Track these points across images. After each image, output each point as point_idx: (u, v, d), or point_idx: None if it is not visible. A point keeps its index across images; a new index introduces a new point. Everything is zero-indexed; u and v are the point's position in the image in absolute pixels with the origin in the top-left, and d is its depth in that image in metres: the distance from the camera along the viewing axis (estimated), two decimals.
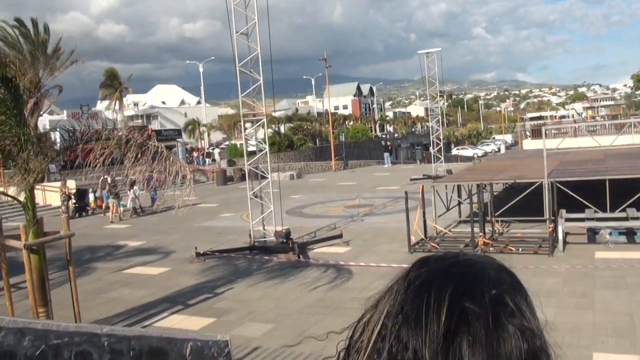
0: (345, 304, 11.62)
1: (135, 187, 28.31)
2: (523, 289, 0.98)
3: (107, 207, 28.69)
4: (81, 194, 30.77)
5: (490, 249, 15.11)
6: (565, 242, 14.90)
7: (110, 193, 28.18)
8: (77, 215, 29.92)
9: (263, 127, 17.89)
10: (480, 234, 15.45)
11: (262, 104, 17.27)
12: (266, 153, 17.75)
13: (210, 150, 65.70)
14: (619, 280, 12.17)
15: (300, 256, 16.03)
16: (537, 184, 15.89)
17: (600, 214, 15.13)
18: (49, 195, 35.30)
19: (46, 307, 9.58)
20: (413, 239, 16.27)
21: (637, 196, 14.96)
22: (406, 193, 16.26)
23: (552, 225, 14.97)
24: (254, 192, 17.88)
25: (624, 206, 15.18)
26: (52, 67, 12.14)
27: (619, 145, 20.81)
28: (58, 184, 37.79)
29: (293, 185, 39.67)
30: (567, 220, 15.05)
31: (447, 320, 0.87)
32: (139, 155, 9.33)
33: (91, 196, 31.10)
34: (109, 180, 28.09)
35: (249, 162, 18.06)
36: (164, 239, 21.02)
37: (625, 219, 14.97)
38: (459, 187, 19.97)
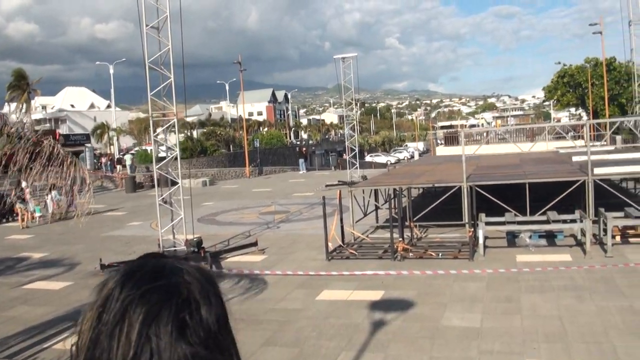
0: (260, 316, 10.95)
1: (53, 192, 27.12)
2: (217, 308, 1.10)
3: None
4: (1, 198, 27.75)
5: (410, 254, 14.81)
6: (485, 246, 14.77)
7: (18, 198, 26.21)
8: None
9: (174, 130, 16.91)
10: (399, 239, 15.14)
11: (173, 106, 16.27)
12: (176, 158, 16.81)
13: (120, 156, 63.44)
14: (544, 283, 12.03)
15: (213, 266, 15.23)
16: (455, 188, 15.75)
17: (521, 217, 15.10)
18: None
19: None
20: (331, 246, 15.78)
21: (557, 199, 15.03)
22: (324, 198, 15.74)
23: (472, 230, 14.82)
24: (163, 198, 16.93)
25: (544, 209, 15.20)
26: None
27: (535, 151, 21.14)
28: None
29: (206, 192, 38.58)
30: (487, 224, 14.93)
31: (135, 344, 0.98)
32: (34, 156, 8.37)
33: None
34: (24, 184, 25.73)
35: (157, 167, 17.04)
36: (69, 250, 19.69)
37: (546, 222, 14.97)
38: (376, 192, 19.70)
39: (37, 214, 27.76)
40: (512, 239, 15.65)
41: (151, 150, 64.00)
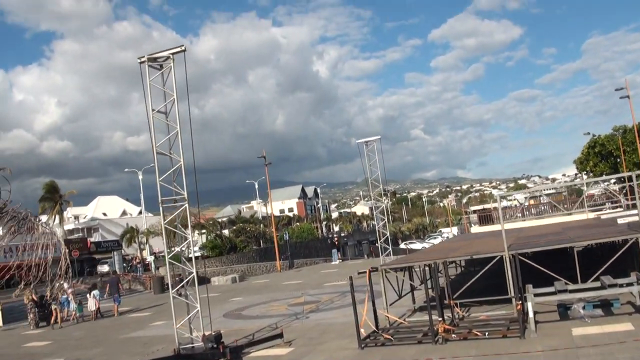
0: None
1: (94, 291, 29.16)
2: None
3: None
4: (43, 301, 28.94)
5: (453, 335, 13.09)
6: (536, 321, 12.99)
7: (53, 299, 27.67)
8: (40, 324, 28.27)
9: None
10: (440, 319, 13.45)
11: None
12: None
13: (150, 260, 62.66)
14: (608, 357, 10.24)
15: None
16: (496, 259, 14.11)
17: (572, 286, 13.31)
18: None
19: None
20: (363, 333, 14.13)
21: (608, 263, 13.32)
22: (351, 278, 14.23)
23: (519, 303, 13.10)
24: (178, 290, 15.61)
25: (596, 275, 13.45)
26: None
27: (576, 219, 19.50)
28: None
29: (235, 289, 37.20)
30: (536, 295, 13.18)
31: None
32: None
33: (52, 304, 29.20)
34: (66, 286, 27.39)
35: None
36: (85, 354, 18.30)
37: (600, 288, 13.17)
38: (410, 273, 18.09)
39: (78, 313, 28.50)
40: (564, 311, 13.89)
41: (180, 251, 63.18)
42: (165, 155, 15.70)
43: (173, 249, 16.74)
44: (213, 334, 14.92)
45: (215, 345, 14.57)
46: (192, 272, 15.62)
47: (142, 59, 15.06)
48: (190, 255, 16.15)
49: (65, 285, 27.59)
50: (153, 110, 15.29)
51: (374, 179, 35.13)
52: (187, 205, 15.30)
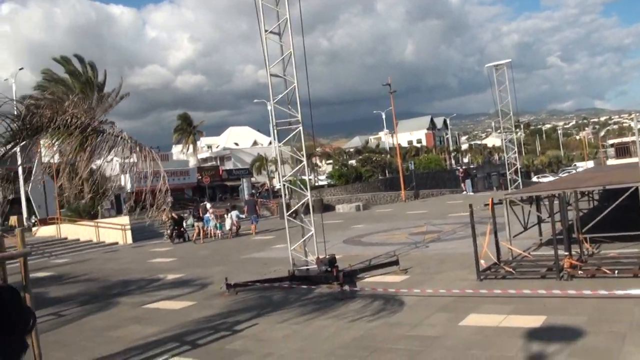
0: (388, 344, 8.90)
1: (234, 212, 32.39)
2: None
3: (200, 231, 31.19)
4: (179, 220, 32.62)
5: (579, 272, 12.05)
6: None
7: (194, 217, 32.71)
8: (175, 240, 31.60)
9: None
10: (566, 254, 12.42)
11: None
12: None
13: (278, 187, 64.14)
14: None
15: (346, 286, 13.38)
16: (631, 190, 12.70)
17: None
18: (103, 232, 34.13)
19: None
20: (483, 264, 13.37)
21: None
22: (470, 206, 13.40)
23: None
24: (293, 212, 15.50)
25: None
26: (104, 102, 10.45)
27: None
28: (112, 220, 36.76)
29: (357, 216, 37.15)
30: None
31: None
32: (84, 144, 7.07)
33: (188, 223, 33.72)
34: (208, 206, 33.60)
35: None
36: (205, 272, 18.81)
37: None
38: (538, 204, 16.93)
39: (218, 231, 31.89)
40: None
41: (309, 179, 64.02)
42: (279, 78, 15.37)
43: (296, 175, 16.65)
44: (327, 257, 14.74)
45: (329, 269, 14.39)
46: (307, 196, 15.39)
47: None
48: (303, 177, 15.92)
49: (208, 205, 33.35)
50: (266, 31, 14.92)
51: (504, 106, 33.32)
52: (301, 128, 14.94)
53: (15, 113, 6.93)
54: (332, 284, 13.71)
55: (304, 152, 15.24)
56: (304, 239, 15.44)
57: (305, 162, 15.21)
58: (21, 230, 7.47)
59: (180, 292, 15.65)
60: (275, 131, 15.43)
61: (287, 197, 16.47)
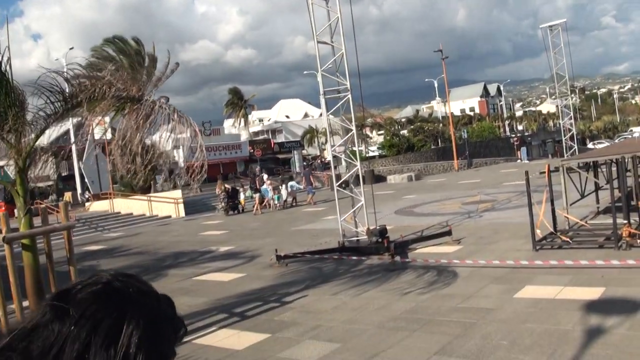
0: (439, 317, 8.64)
1: (291, 182, 33.62)
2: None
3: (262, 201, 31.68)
4: (234, 193, 32.97)
5: (639, 241, 11.52)
6: None
7: (252, 189, 33.54)
8: (230, 212, 31.81)
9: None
10: (625, 222, 11.88)
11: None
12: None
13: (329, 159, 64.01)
14: None
15: (397, 257, 13.13)
16: None
17: None
18: (156, 205, 34.58)
19: None
20: (539, 234, 12.91)
21: None
22: (527, 173, 12.92)
23: None
24: (343, 182, 15.28)
25: None
26: (153, 77, 10.46)
27: None
28: (165, 194, 37.20)
29: (409, 187, 36.69)
30: None
31: None
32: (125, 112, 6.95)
33: (242, 195, 33.57)
34: (265, 177, 34.19)
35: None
36: (255, 243, 18.81)
37: None
38: (595, 171, 16.25)
39: (276, 202, 31.89)
40: None
41: (360, 150, 64.01)
42: (327, 46, 15.06)
43: (346, 146, 16.45)
44: (377, 228, 14.50)
45: (379, 240, 14.16)
46: (357, 166, 15.14)
47: None
48: (354, 148, 15.67)
49: (265, 177, 34.01)
50: None
51: (559, 69, 32.20)
52: (349, 96, 14.63)
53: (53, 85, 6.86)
54: (383, 255, 13.49)
55: (353, 121, 14.94)
56: (354, 209, 15.24)
57: (354, 132, 14.92)
58: (64, 204, 7.48)
59: (230, 264, 15.67)
60: (324, 100, 15.14)
61: (336, 167, 16.25)
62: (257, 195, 31.74)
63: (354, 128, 14.85)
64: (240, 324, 9.53)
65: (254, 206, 31.35)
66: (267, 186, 32.69)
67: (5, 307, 7.37)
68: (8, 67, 7.13)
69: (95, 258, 20.49)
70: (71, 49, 46.45)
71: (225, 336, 8.94)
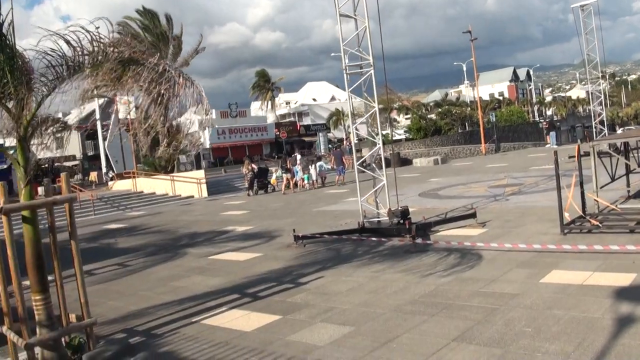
0: (460, 301, 8.17)
1: (319, 163, 33.91)
2: None
3: (292, 181, 32.14)
4: (263, 172, 33.64)
5: None
6: None
7: (282, 168, 33.18)
8: (259, 192, 32.30)
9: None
10: None
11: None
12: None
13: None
14: None
15: (418, 239, 12.65)
16: None
17: None
18: (178, 185, 34.46)
19: (44, 293, 6.97)
20: (567, 217, 12.35)
21: None
22: (555, 153, 12.32)
23: None
24: (364, 161, 14.83)
25: None
26: (178, 57, 10.02)
27: None
28: (188, 174, 37.08)
29: (436, 170, 36.12)
30: None
31: None
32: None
33: (273, 175, 34.08)
34: (298, 157, 33.88)
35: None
36: (275, 224, 18.48)
37: None
38: (627, 153, 15.54)
39: (306, 182, 32.11)
40: None
41: (387, 133, 63.44)
42: (350, 18, 14.55)
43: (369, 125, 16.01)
44: (399, 209, 14.04)
45: (401, 221, 13.70)
46: (379, 145, 14.66)
47: None
48: (376, 129, 15.17)
49: (298, 157, 34.07)
50: None
51: (591, 50, 31.23)
52: (372, 72, 14.12)
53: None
54: (404, 237, 13.03)
55: (375, 97, 14.43)
56: (375, 189, 14.82)
57: (377, 109, 14.41)
58: (66, 175, 7.15)
59: (248, 243, 15.35)
60: (347, 76, 14.63)
61: (359, 150, 15.83)
62: (287, 175, 32.01)
63: (376, 105, 14.33)
64: (252, 305, 9.17)
65: (284, 186, 31.54)
66: (298, 166, 32.82)
67: (5, 285, 7.08)
68: (11, 30, 6.79)
69: (114, 236, 20.35)
70: (97, 28, 46.29)
71: (235, 317, 8.59)
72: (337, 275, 10.63)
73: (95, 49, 6.80)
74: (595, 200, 13.19)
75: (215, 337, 7.73)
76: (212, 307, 9.23)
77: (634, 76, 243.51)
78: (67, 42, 6.56)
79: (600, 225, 11.82)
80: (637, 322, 6.53)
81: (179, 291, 10.72)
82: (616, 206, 13.40)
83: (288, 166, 32.86)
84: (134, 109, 14.33)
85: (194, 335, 7.92)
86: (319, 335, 7.36)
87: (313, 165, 33.00)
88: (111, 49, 6.70)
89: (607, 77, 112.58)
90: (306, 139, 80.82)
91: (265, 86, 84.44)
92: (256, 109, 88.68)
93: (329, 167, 35.93)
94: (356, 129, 15.41)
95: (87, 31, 6.75)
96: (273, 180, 33.60)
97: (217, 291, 10.34)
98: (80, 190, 32.37)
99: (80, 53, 6.77)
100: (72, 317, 7.38)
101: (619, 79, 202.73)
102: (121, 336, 8.36)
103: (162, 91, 6.71)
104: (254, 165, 32.92)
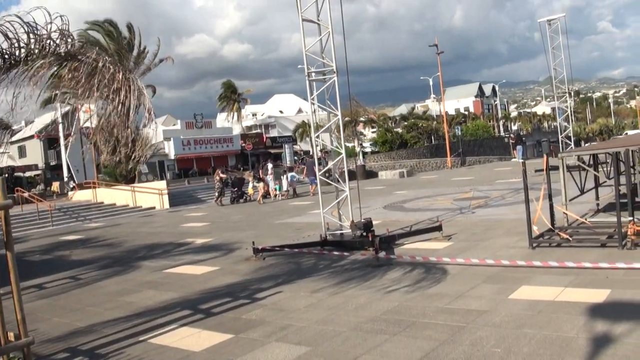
0: (424, 319, 7.67)
1: (290, 174, 34.00)
2: None
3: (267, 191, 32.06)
4: (239, 182, 33.17)
5: None
6: None
7: (254, 178, 32.74)
8: (239, 201, 32.14)
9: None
10: (630, 219, 10.94)
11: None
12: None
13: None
14: None
15: (382, 252, 12.14)
16: None
17: None
18: (140, 196, 33.58)
19: None
20: (536, 230, 11.96)
21: None
22: (524, 164, 11.95)
23: None
24: (326, 171, 14.33)
25: None
26: (141, 65, 9.36)
27: None
28: (149, 184, 36.18)
29: (401, 183, 35.79)
30: None
31: None
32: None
33: (250, 185, 33.18)
34: (270, 166, 33.63)
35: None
36: (236, 236, 17.84)
37: None
38: (595, 166, 15.28)
39: (278, 191, 32.12)
40: None
41: (352, 146, 63.32)
42: (314, 23, 14.07)
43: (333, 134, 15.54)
44: (362, 221, 13.53)
45: (364, 234, 13.19)
46: (342, 154, 14.17)
47: None
48: (340, 139, 14.68)
49: (269, 166, 33.71)
50: None
51: (557, 65, 31.33)
52: (335, 78, 13.64)
53: None
54: (367, 250, 12.52)
55: (338, 103, 13.92)
56: (338, 200, 14.30)
57: (339, 117, 13.92)
58: (2, 179, 6.48)
59: (206, 256, 14.70)
60: (309, 82, 14.12)
61: (318, 155, 15.34)
62: (260, 185, 31.72)
63: (339, 113, 13.85)
64: (204, 322, 8.54)
65: (260, 196, 31.03)
66: (270, 176, 32.82)
67: None
68: None
69: (68, 248, 19.49)
70: (49, 24, 45.13)
71: (184, 335, 7.95)
72: (296, 290, 10.06)
73: (32, 40, 6.16)
74: (564, 213, 12.84)
75: (163, 357, 7.10)
76: (161, 325, 8.58)
77: (598, 94, 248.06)
78: (4, 34, 5.93)
79: (570, 238, 11.44)
80: (615, 342, 6.07)
81: (129, 307, 10.03)
82: (586, 219, 13.07)
83: (261, 176, 32.80)
84: (95, 115, 13.70)
85: (139, 355, 7.27)
86: (272, 356, 6.77)
87: (285, 176, 33.11)
88: (48, 41, 6.07)
89: (572, 94, 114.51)
90: (272, 150, 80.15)
91: (231, 97, 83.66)
92: (222, 120, 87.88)
93: (301, 177, 35.97)
94: (319, 139, 14.87)
95: (25, 22, 6.12)
96: (250, 190, 33.19)
97: (168, 307, 9.69)
98: (39, 201, 31.27)
99: (16, 46, 6.14)
100: (11, 336, 6.70)
101: (583, 96, 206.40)
102: (63, 356, 7.68)
103: (97, 83, 6.10)
104: (222, 175, 32.36)
